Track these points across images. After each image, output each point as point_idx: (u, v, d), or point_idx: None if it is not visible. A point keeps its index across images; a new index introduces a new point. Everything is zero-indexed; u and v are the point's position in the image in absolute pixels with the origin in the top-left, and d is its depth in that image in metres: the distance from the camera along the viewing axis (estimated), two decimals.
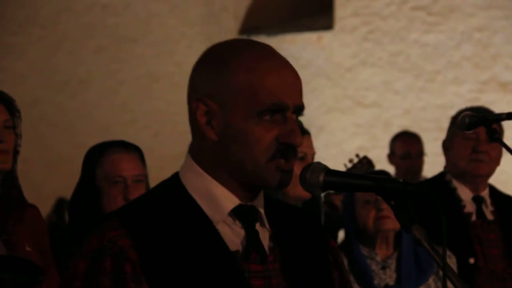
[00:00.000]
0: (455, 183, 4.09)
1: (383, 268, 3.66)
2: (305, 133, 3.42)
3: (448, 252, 3.77)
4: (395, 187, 1.88)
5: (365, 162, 4.89)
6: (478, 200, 4.09)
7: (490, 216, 4.06)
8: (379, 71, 9.30)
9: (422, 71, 9.18)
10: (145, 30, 9.48)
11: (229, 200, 1.88)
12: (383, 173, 3.86)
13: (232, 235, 1.87)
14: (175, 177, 1.93)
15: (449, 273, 1.81)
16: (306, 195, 3.34)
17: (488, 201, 4.10)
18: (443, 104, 8.95)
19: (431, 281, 3.68)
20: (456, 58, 9.08)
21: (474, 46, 9.01)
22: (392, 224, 3.62)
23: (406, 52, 9.23)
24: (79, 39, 9.29)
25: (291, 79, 1.89)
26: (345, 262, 3.66)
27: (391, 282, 3.66)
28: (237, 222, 1.89)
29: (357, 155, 4.97)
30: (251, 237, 1.88)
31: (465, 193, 4.07)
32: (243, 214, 1.89)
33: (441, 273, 3.65)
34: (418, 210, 1.94)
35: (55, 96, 9.21)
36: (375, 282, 3.64)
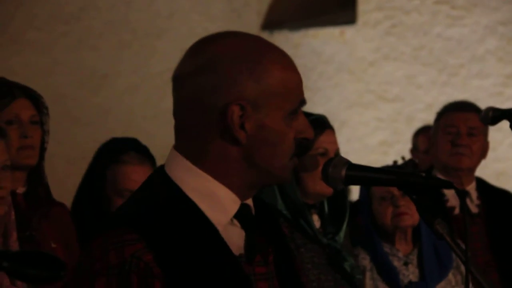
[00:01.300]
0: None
1: (406, 264, 3.65)
2: (326, 128, 3.39)
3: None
4: (417, 181, 1.88)
5: (410, 165, 4.85)
6: (462, 194, 4.11)
7: (474, 210, 4.09)
8: (402, 66, 9.26)
9: (445, 65, 9.13)
10: (168, 26, 9.50)
11: (232, 200, 1.83)
12: (411, 162, 3.85)
13: (234, 237, 1.83)
14: (164, 177, 1.86)
15: (472, 267, 1.81)
16: (327, 191, 3.32)
17: (474, 194, 4.12)
18: (466, 98, 8.86)
19: (451, 276, 3.67)
20: (480, 52, 9.03)
21: (498, 39, 8.96)
22: (410, 220, 3.61)
23: (429, 46, 9.19)
24: (102, 35, 9.33)
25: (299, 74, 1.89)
26: (367, 258, 3.65)
27: (414, 278, 3.64)
28: (235, 221, 1.85)
29: (402, 158, 4.94)
30: (254, 239, 1.85)
31: None
32: (241, 214, 1.85)
33: (462, 267, 3.65)
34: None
35: (78, 92, 9.25)
36: None
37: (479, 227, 4.04)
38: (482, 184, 4.18)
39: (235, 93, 1.79)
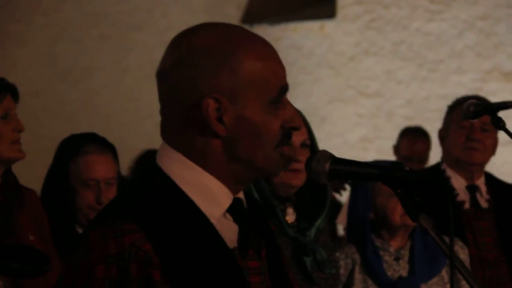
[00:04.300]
0: (450, 172, 4.12)
1: (397, 259, 3.63)
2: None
3: (461, 243, 3.75)
4: (401, 176, 1.87)
5: None
6: (472, 189, 4.11)
7: (484, 204, 4.09)
8: (382, 60, 9.28)
9: (424, 60, 9.16)
10: (149, 19, 9.47)
11: (225, 194, 1.83)
12: (397, 163, 3.82)
13: (227, 231, 1.82)
14: (157, 170, 1.83)
15: (457, 263, 1.80)
16: (293, 182, 3.29)
17: (484, 189, 4.13)
18: (446, 94, 8.93)
19: (444, 272, 3.65)
20: (458, 47, 9.05)
21: (477, 35, 8.99)
22: None
23: (408, 41, 9.21)
24: (82, 28, 9.28)
25: (281, 60, 1.87)
26: (358, 252, 3.62)
27: (405, 273, 3.62)
28: (227, 215, 1.84)
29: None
30: (247, 233, 1.84)
31: (458, 182, 4.10)
32: (234, 208, 1.84)
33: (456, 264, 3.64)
34: (423, 199, 1.94)
35: (57, 85, 9.20)
36: (389, 273, 3.60)
37: (489, 222, 4.05)
38: (491, 179, 4.19)
39: (210, 87, 1.78)
